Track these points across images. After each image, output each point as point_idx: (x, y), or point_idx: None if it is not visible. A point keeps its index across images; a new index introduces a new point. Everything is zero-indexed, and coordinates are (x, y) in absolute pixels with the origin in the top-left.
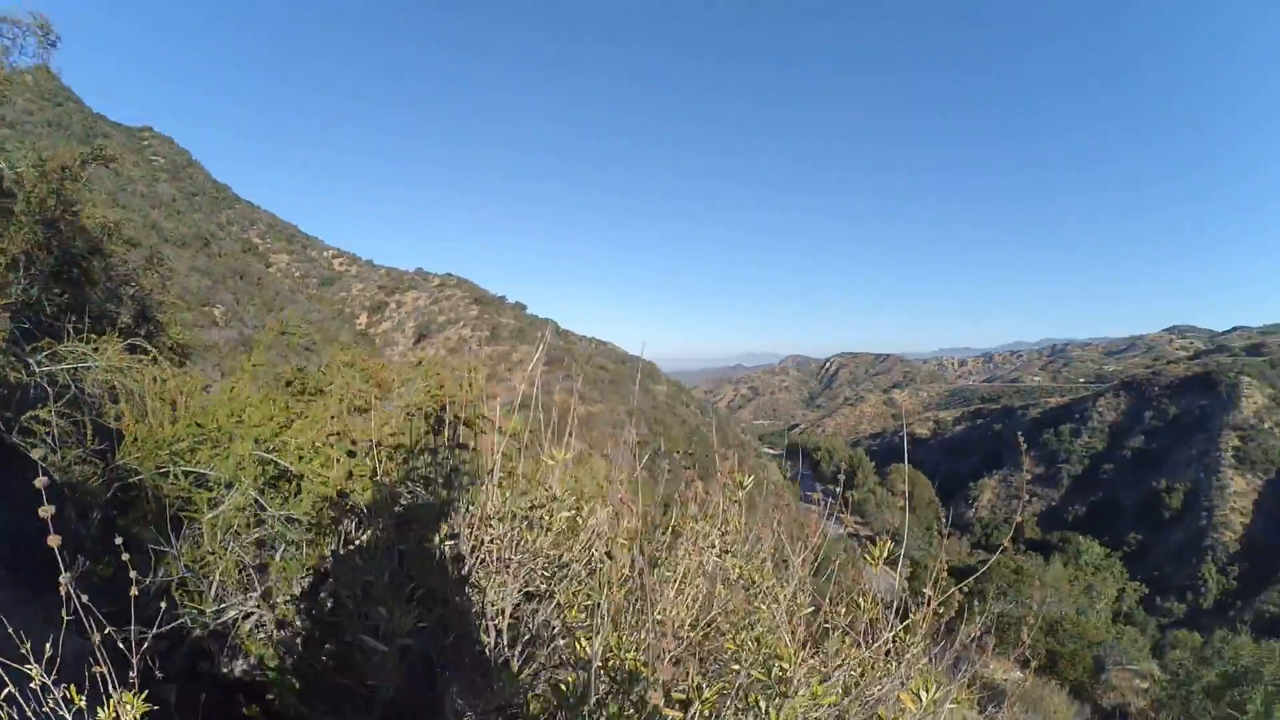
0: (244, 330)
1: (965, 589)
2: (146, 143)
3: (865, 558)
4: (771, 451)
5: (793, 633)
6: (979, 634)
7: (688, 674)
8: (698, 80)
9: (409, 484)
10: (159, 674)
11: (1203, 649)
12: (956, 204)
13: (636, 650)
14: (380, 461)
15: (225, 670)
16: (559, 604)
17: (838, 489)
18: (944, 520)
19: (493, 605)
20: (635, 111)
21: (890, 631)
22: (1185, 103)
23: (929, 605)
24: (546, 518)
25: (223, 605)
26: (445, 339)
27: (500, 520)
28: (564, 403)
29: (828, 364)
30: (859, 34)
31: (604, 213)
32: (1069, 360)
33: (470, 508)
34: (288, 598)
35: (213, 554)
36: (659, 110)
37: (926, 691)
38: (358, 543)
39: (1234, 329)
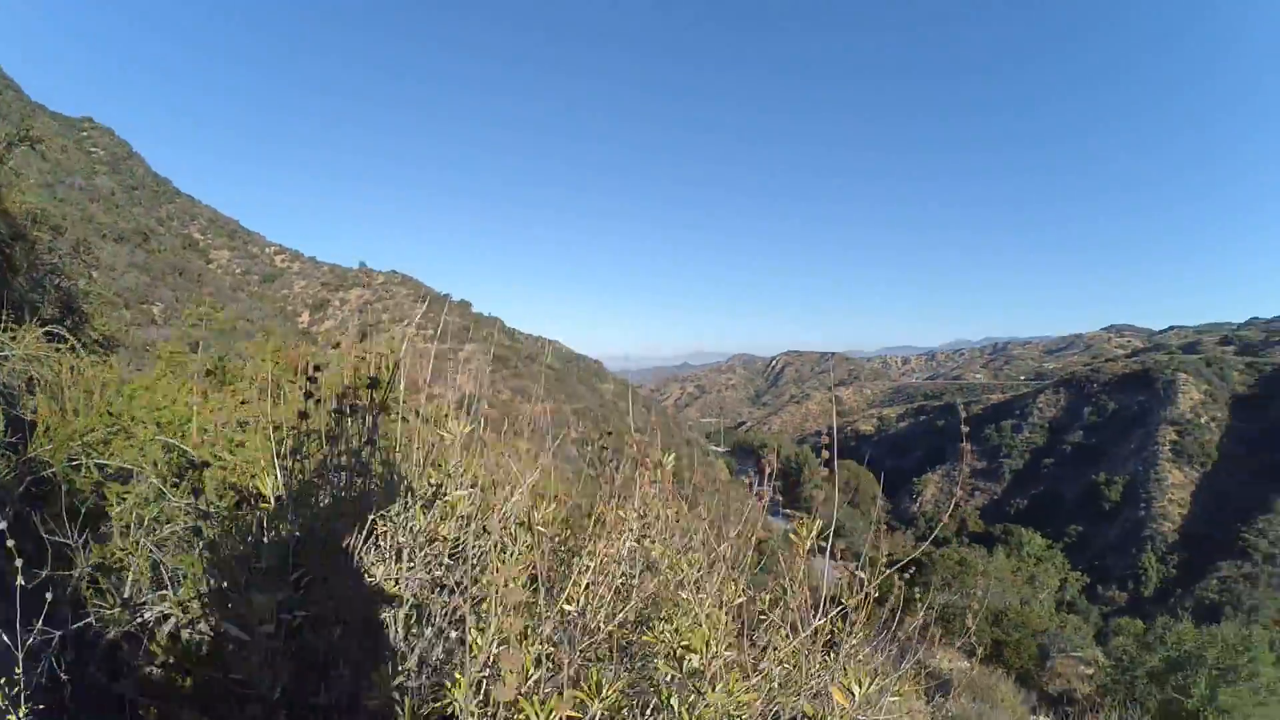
0: (183, 329)
1: (907, 579)
2: (86, 134)
3: (793, 536)
4: (718, 449)
5: (715, 623)
6: (924, 625)
7: (592, 671)
8: (654, 78)
9: (320, 471)
10: (64, 675)
11: (1145, 635)
12: (901, 206)
13: (541, 644)
14: (281, 445)
15: (144, 674)
16: (465, 594)
17: (781, 484)
18: (881, 511)
19: (393, 595)
20: (587, 110)
21: (820, 619)
22: (1133, 110)
23: (866, 589)
24: (446, 499)
25: (136, 605)
26: (390, 338)
27: (394, 502)
28: (510, 402)
29: (774, 362)
30: (813, 41)
31: (552, 211)
32: (1010, 358)
33: (362, 485)
34: (194, 595)
35: (124, 550)
36: (613, 109)
37: (860, 685)
38: (243, 527)
39: (1171, 328)
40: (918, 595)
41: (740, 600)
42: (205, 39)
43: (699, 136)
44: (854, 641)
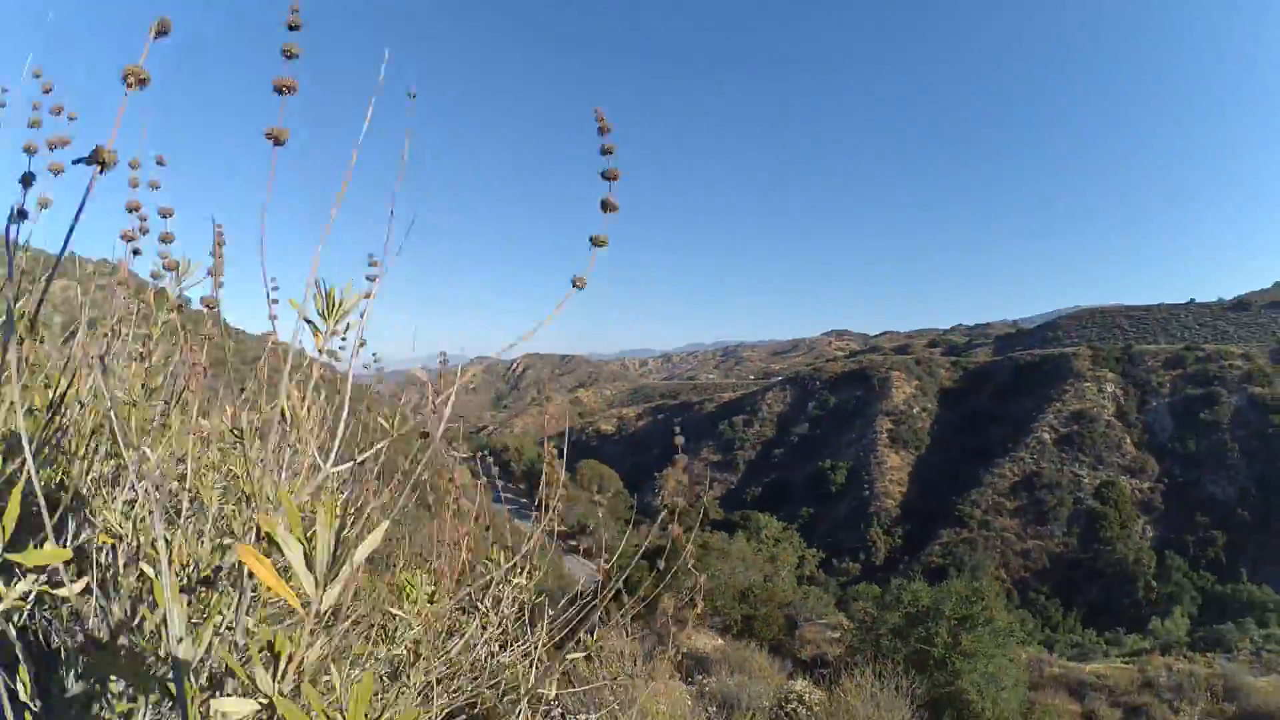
0: None
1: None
2: None
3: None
4: (460, 455)
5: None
6: (676, 609)
7: None
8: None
9: None
10: None
11: (883, 597)
12: (635, 213)
13: None
14: None
15: None
16: None
17: (525, 486)
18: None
19: None
20: (307, 72)
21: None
22: (834, 136)
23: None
24: None
25: None
26: (95, 337)
27: None
28: (235, 413)
29: (515, 365)
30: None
31: (258, 184)
32: (740, 359)
33: None
34: None
35: None
36: (321, 72)
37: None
38: None
39: (885, 333)
40: (668, 581)
41: None
42: None
43: (431, 125)
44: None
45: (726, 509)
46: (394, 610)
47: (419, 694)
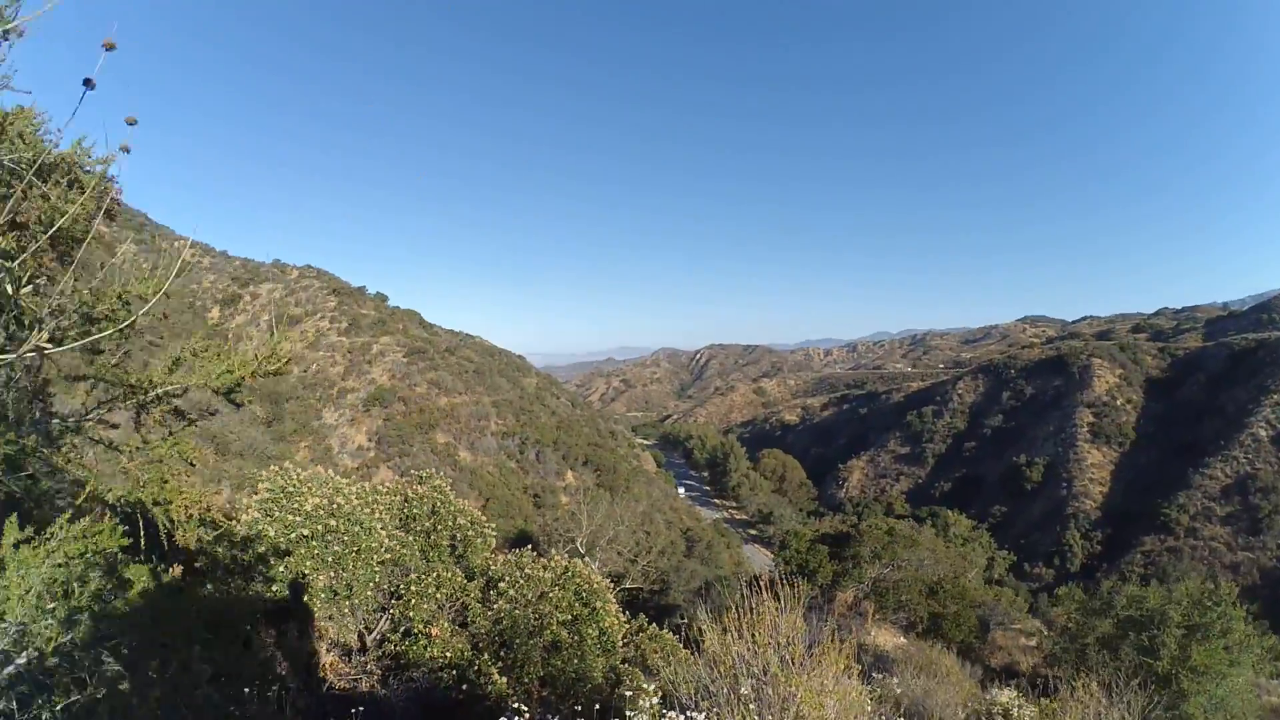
0: None
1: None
2: None
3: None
4: (645, 442)
5: None
6: (856, 600)
7: None
8: (575, 80)
9: None
10: None
11: (1090, 602)
12: (820, 202)
13: None
14: None
15: None
16: None
17: (708, 474)
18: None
19: None
20: (506, 102)
21: None
22: (1047, 119)
23: None
24: None
25: None
26: (301, 332)
27: None
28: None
29: (698, 355)
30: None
31: (473, 205)
32: (929, 348)
33: None
34: None
35: None
36: (529, 103)
37: None
38: None
39: (1084, 318)
40: (849, 569)
41: None
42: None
43: (615, 134)
44: None
45: (913, 504)
46: None
47: None
